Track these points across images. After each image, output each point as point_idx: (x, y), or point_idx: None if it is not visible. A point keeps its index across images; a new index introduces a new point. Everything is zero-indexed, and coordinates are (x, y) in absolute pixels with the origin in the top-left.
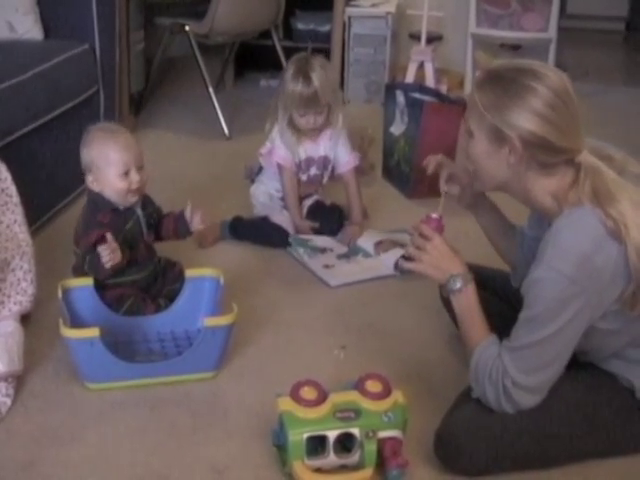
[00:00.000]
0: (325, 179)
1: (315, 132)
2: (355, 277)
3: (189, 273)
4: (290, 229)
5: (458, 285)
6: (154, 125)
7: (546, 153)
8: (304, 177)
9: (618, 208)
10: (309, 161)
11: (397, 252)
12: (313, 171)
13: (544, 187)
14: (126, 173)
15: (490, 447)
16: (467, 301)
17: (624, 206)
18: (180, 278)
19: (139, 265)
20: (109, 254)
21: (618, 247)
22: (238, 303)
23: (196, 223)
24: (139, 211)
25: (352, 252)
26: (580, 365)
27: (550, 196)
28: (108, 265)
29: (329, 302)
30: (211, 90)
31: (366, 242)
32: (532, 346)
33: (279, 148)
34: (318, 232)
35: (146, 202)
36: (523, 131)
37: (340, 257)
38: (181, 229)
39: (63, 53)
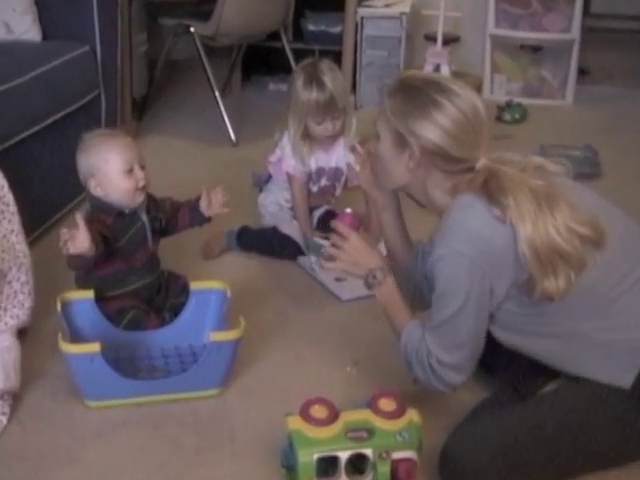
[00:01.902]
0: (338, 191)
1: (330, 140)
2: (366, 290)
3: (194, 286)
4: (300, 240)
5: (378, 278)
6: (157, 131)
7: (444, 161)
8: (315, 188)
9: (510, 199)
10: (320, 172)
11: None
12: (324, 182)
13: (443, 188)
14: (130, 170)
15: (493, 460)
16: (388, 291)
17: (520, 199)
18: (184, 292)
19: (139, 273)
20: (70, 236)
21: (505, 231)
22: (245, 317)
23: (215, 207)
24: (144, 216)
25: None
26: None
27: (448, 195)
28: (68, 250)
29: (340, 316)
30: (217, 94)
31: None
32: (445, 323)
33: (289, 157)
34: None
35: (150, 205)
36: (423, 139)
37: None
38: (196, 219)
39: (62, 55)
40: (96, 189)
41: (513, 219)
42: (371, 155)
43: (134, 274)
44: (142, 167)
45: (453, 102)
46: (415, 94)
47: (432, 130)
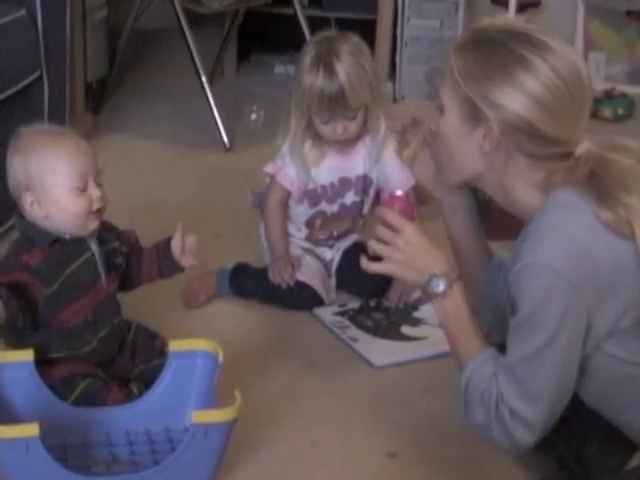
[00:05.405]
0: (366, 208)
1: (347, 143)
2: (409, 354)
3: (173, 346)
4: (318, 284)
5: (441, 287)
6: (121, 128)
7: (532, 142)
8: (334, 207)
9: (634, 197)
10: (345, 184)
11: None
12: (350, 198)
13: (529, 180)
14: (83, 188)
15: None
16: (453, 306)
17: (635, 200)
18: (159, 354)
19: (89, 326)
20: None
21: (617, 243)
22: (243, 390)
23: (188, 256)
24: (94, 246)
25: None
26: None
27: (536, 190)
28: None
29: (372, 389)
30: (204, 79)
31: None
32: (526, 362)
33: (289, 166)
34: (356, 294)
35: (106, 233)
36: (504, 111)
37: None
38: (166, 269)
39: None
40: (32, 206)
41: (636, 224)
42: (432, 137)
43: (81, 328)
44: (98, 184)
45: (547, 61)
46: (495, 50)
47: (518, 98)
